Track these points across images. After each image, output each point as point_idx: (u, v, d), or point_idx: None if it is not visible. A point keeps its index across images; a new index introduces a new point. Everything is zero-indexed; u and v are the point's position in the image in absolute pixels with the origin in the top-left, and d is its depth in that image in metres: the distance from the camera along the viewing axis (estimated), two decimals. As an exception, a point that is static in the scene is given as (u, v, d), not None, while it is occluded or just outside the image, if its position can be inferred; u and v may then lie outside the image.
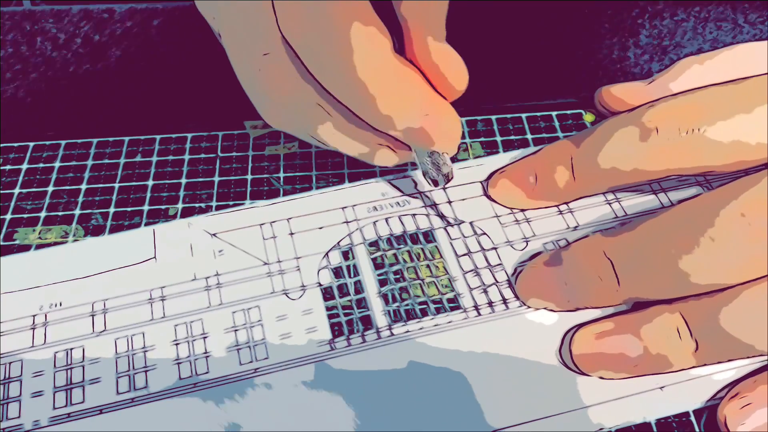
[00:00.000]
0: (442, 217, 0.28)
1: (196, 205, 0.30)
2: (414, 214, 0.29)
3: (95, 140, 0.33)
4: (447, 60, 0.24)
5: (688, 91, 0.24)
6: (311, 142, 0.27)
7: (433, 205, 0.29)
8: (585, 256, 0.24)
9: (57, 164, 0.32)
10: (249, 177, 0.31)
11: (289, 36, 0.23)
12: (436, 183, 0.26)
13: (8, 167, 0.32)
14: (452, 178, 0.26)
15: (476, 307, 0.26)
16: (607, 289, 0.23)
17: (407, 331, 0.25)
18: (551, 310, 0.25)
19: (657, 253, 0.22)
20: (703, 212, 0.22)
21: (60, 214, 0.30)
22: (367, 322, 0.26)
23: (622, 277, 0.23)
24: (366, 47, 0.22)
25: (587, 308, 0.25)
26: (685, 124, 0.23)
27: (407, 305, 0.26)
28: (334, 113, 0.25)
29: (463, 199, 0.29)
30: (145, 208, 0.30)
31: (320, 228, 0.28)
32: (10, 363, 0.25)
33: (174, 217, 0.30)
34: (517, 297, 0.26)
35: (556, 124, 0.33)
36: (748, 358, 0.23)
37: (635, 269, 0.23)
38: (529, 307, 0.25)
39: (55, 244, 0.29)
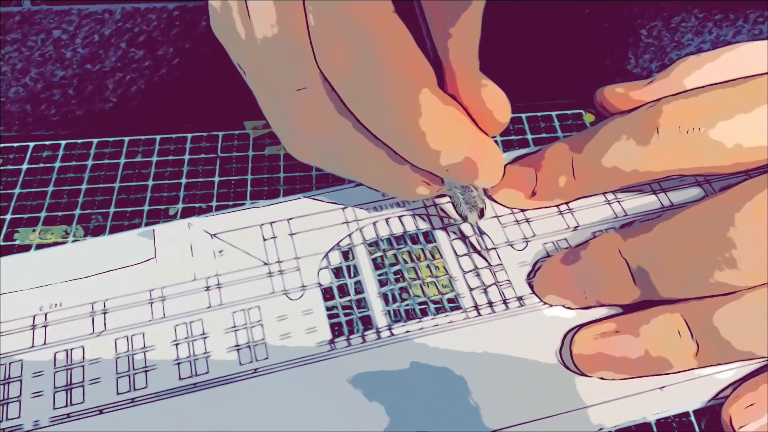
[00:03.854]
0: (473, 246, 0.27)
1: (196, 205, 0.30)
2: (414, 215, 0.29)
3: (95, 140, 0.33)
4: (491, 96, 0.23)
5: (689, 90, 0.24)
6: (340, 175, 0.26)
7: (463, 237, 0.28)
8: (601, 255, 0.24)
9: (57, 164, 0.32)
10: (249, 177, 0.31)
11: (329, 72, 0.22)
12: (465, 218, 0.26)
13: (8, 167, 0.32)
14: (485, 214, 0.26)
15: (476, 307, 0.26)
16: (622, 287, 0.23)
17: (407, 331, 0.25)
18: (567, 308, 0.25)
19: (673, 255, 0.22)
20: (719, 213, 0.22)
21: (60, 214, 0.30)
22: (367, 322, 0.25)
23: (636, 276, 0.23)
24: (413, 87, 0.21)
25: (602, 306, 0.25)
26: (686, 124, 0.23)
27: (407, 305, 0.26)
28: (375, 150, 0.24)
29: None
30: (145, 208, 0.30)
31: (320, 228, 0.28)
32: (10, 363, 0.25)
33: (174, 217, 0.30)
34: (534, 292, 0.26)
35: (556, 124, 0.33)
36: (749, 360, 0.23)
37: (650, 269, 0.23)
38: (546, 303, 0.25)
39: (55, 244, 0.29)
